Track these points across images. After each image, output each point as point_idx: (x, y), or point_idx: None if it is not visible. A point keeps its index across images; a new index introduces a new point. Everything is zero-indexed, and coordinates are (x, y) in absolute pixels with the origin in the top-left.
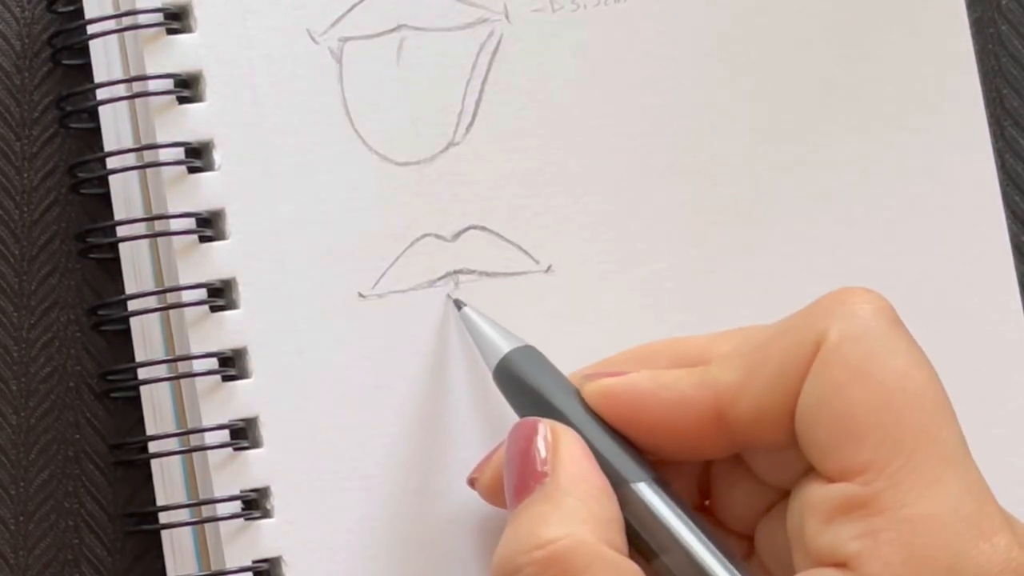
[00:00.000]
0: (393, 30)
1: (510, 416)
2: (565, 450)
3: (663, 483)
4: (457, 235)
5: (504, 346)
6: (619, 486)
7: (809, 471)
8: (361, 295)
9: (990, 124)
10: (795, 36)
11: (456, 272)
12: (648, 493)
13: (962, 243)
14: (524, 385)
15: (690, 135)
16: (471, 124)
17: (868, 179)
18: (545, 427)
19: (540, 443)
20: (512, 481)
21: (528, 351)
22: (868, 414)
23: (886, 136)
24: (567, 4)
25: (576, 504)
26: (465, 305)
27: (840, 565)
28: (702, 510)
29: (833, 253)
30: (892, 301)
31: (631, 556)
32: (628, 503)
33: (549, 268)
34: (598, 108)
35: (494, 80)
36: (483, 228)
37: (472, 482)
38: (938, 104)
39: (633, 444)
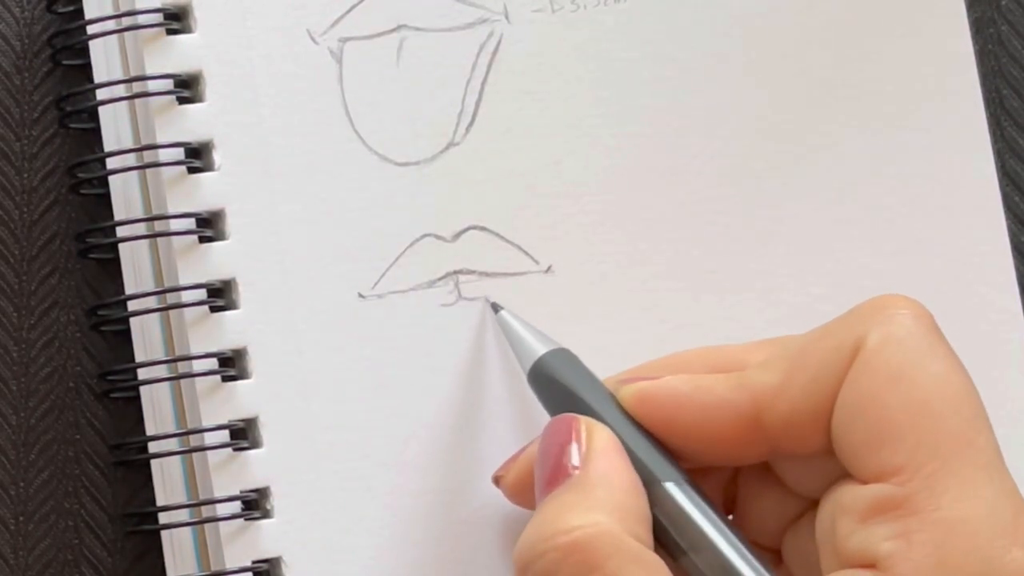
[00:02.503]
0: (393, 30)
1: (511, 416)
2: (598, 444)
3: (694, 484)
4: (457, 235)
5: (539, 348)
6: (650, 485)
7: (839, 480)
8: (361, 295)
9: (990, 124)
10: (795, 36)
11: (456, 272)
12: (678, 493)
13: (962, 243)
14: (559, 387)
15: (690, 135)
16: (471, 124)
17: (868, 179)
18: (581, 423)
19: (575, 439)
20: (544, 474)
21: (563, 353)
22: (906, 417)
23: (886, 136)
24: (567, 4)
25: (604, 495)
26: (502, 308)
27: (870, 566)
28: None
29: (833, 253)
30: None
31: (657, 554)
32: (658, 502)
33: (549, 268)
34: (598, 108)
35: (494, 80)
36: (483, 228)
37: (497, 480)
38: (938, 104)
39: (667, 448)
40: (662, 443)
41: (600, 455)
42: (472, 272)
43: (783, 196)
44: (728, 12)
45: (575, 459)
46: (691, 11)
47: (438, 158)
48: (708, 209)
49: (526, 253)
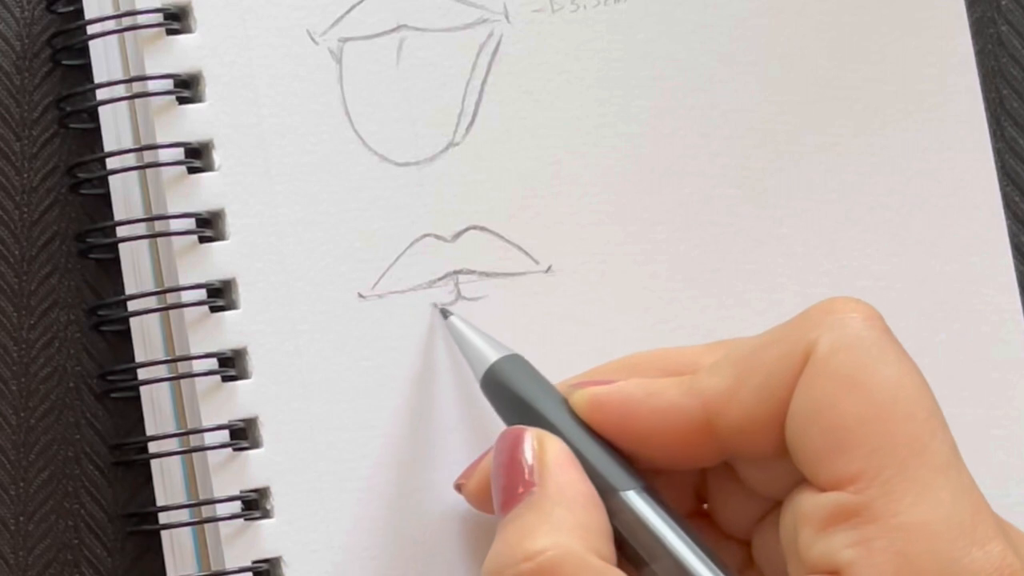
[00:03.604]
0: (393, 30)
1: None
2: (552, 458)
3: (652, 491)
4: (457, 235)
5: (491, 355)
6: (607, 495)
7: (800, 482)
8: (361, 295)
9: (990, 124)
10: (795, 36)
11: (456, 272)
12: (637, 501)
13: (962, 243)
14: (511, 394)
15: (690, 135)
16: (471, 124)
17: (868, 179)
18: (531, 436)
19: (527, 452)
20: (499, 490)
21: (515, 360)
22: (859, 423)
23: (886, 136)
24: (567, 4)
25: (563, 514)
26: (451, 314)
27: (833, 574)
28: (700, 516)
29: (833, 253)
30: (892, 302)
31: (620, 565)
32: (617, 512)
33: (549, 268)
34: (598, 108)
35: (494, 80)
36: (483, 228)
37: (459, 488)
38: (938, 104)
39: (622, 453)
40: (617, 449)
41: (555, 469)
42: (472, 272)
43: (783, 196)
44: (728, 12)
45: (529, 474)
46: (691, 11)
47: (438, 158)
48: (708, 209)
49: (526, 253)
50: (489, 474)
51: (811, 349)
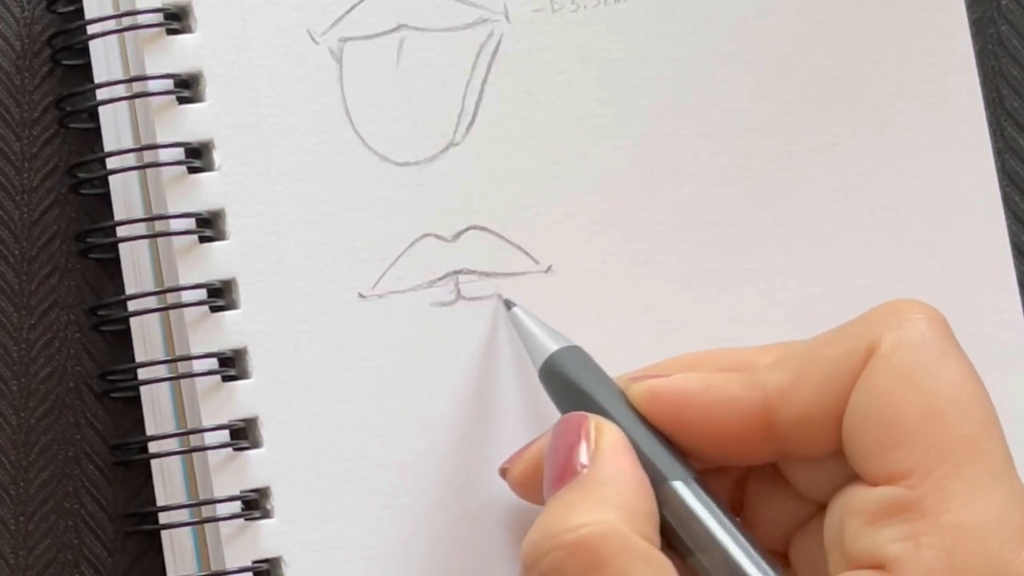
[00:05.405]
0: (393, 30)
1: (511, 414)
2: (606, 442)
3: (702, 483)
4: (457, 235)
5: (551, 345)
6: (658, 484)
7: (848, 482)
8: (361, 295)
9: (990, 124)
10: (795, 36)
11: (456, 272)
12: (686, 491)
13: (962, 243)
14: (569, 384)
15: (690, 135)
16: (471, 124)
17: (868, 179)
18: (590, 422)
19: (584, 436)
20: (552, 471)
21: (574, 351)
22: (917, 421)
23: (886, 136)
24: (567, 4)
25: (610, 493)
26: (515, 305)
27: (879, 567)
28: None
29: (833, 253)
30: None
31: (665, 553)
32: (666, 501)
33: (549, 268)
34: (598, 108)
35: (494, 80)
36: (483, 228)
37: (503, 472)
38: (938, 104)
39: (677, 447)
40: (671, 441)
41: (608, 454)
42: (472, 272)
43: (783, 196)
44: (728, 12)
45: (584, 458)
46: (691, 11)
47: (438, 158)
48: (708, 209)
49: (526, 253)
50: (535, 460)
51: (874, 347)
